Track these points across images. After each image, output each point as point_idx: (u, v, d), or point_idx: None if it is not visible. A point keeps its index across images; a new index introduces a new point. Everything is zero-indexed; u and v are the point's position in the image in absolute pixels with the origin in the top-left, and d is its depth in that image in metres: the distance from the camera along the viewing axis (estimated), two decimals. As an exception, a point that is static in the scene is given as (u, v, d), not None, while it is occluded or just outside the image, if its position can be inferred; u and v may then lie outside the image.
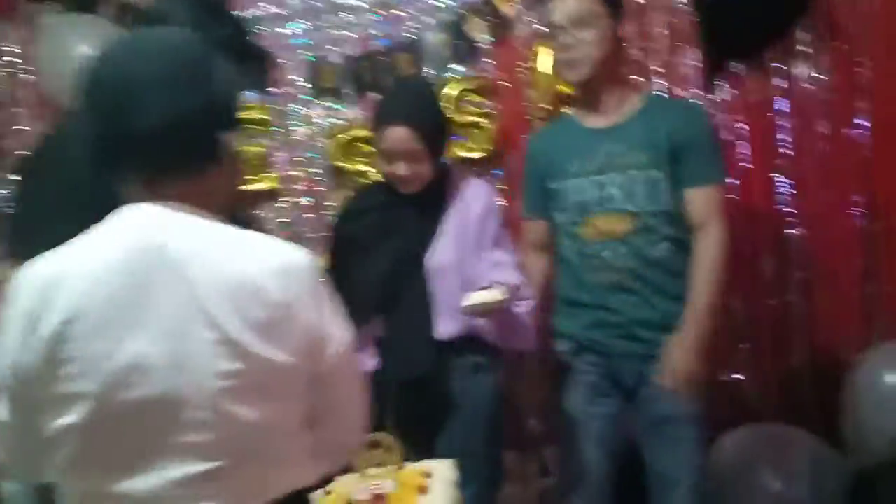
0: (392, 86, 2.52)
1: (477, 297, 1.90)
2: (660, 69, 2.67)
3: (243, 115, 2.71)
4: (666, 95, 2.51)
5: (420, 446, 1.82)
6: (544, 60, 2.61)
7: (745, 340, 2.67)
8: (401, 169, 1.96)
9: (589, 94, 2.07)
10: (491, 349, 2.08)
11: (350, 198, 2.23)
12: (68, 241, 1.08)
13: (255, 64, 1.63)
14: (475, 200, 2.06)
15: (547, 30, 2.05)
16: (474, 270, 1.99)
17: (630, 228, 1.99)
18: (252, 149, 2.78)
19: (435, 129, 1.99)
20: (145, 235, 1.05)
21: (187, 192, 1.10)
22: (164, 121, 1.05)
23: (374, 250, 2.00)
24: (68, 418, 1.02)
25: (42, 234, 1.33)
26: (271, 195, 2.80)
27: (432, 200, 2.03)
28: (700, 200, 2.01)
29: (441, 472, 1.67)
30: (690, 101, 2.55)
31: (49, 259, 1.07)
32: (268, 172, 2.79)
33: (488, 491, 2.05)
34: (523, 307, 1.98)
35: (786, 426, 2.40)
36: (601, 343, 2.06)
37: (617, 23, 2.02)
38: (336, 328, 1.14)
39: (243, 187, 2.75)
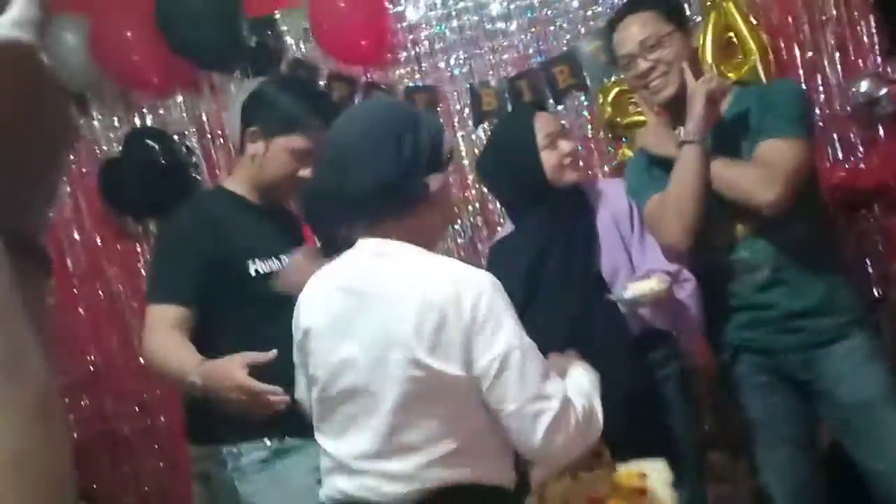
0: None
1: (636, 288, 1.86)
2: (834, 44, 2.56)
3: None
4: (755, 85, 2.29)
5: (626, 449, 1.80)
6: (706, 50, 2.55)
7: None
8: (566, 146, 2.00)
9: (678, 110, 1.95)
10: (672, 338, 2.05)
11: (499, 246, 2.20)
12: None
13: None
14: (617, 198, 2.06)
15: (625, 59, 1.97)
16: (640, 265, 1.98)
17: (756, 222, 1.88)
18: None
19: None
20: (361, 266, 1.37)
21: (401, 227, 1.35)
22: (373, 185, 1.31)
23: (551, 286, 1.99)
24: (314, 393, 1.42)
25: (160, 283, 1.85)
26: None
27: (576, 207, 2.04)
28: (765, 152, 1.83)
29: (657, 473, 1.65)
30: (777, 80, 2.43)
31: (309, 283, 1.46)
32: None
33: (699, 491, 2.02)
34: (686, 291, 1.91)
35: None
36: (760, 341, 1.96)
37: (686, 33, 1.96)
38: (497, 342, 1.25)
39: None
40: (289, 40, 2.97)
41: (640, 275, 1.92)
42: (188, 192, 2.95)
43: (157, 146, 2.99)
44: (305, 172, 1.86)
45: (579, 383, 1.41)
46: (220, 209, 1.91)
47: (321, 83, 2.92)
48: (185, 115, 3.06)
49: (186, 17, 2.82)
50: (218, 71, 2.98)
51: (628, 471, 1.67)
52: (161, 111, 3.07)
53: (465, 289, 1.27)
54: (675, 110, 1.97)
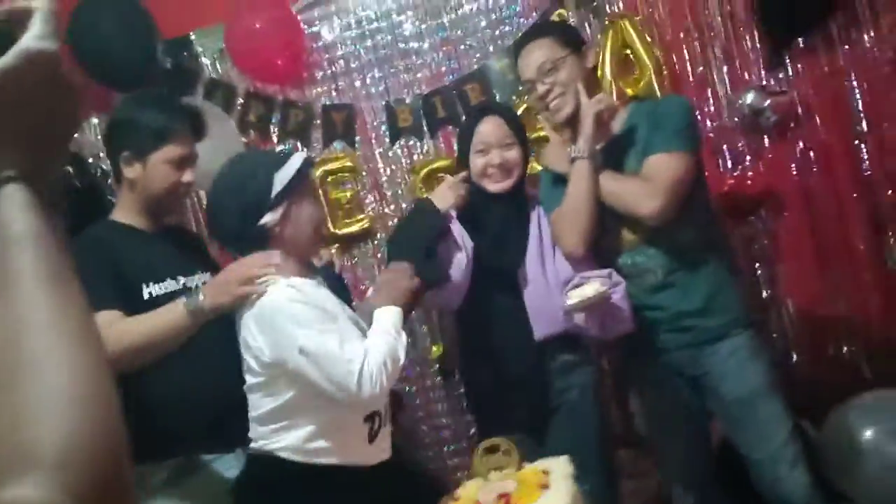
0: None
1: (578, 294, 1.96)
2: (722, 56, 2.74)
3: (335, 164, 2.95)
4: (647, 100, 2.38)
5: (529, 448, 1.91)
6: (605, 66, 2.71)
7: (850, 314, 2.68)
8: (496, 158, 2.11)
9: (578, 127, 2.09)
10: (583, 347, 2.17)
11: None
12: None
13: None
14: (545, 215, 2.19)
15: (528, 79, 2.14)
16: (561, 274, 2.10)
17: (650, 229, 2.02)
18: (343, 194, 2.97)
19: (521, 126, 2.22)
20: None
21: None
22: (226, 234, 1.78)
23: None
24: None
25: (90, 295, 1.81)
26: (366, 234, 2.98)
27: (517, 208, 2.18)
28: (649, 166, 1.99)
29: (559, 468, 1.75)
30: (666, 96, 2.59)
31: None
32: (361, 214, 2.97)
33: (605, 487, 2.13)
34: (618, 293, 2.02)
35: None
36: (653, 340, 2.10)
37: (581, 55, 2.09)
38: (290, 340, 1.62)
39: (340, 230, 2.96)
40: (204, 61, 3.01)
41: (577, 282, 2.02)
42: (104, 215, 2.96)
43: (71, 169, 2.98)
44: (188, 177, 1.93)
45: (381, 328, 1.75)
46: (111, 240, 1.90)
47: (239, 102, 2.98)
48: (99, 137, 3.05)
49: (100, 40, 2.82)
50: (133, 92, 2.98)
51: (533, 468, 1.77)
52: (75, 134, 3.06)
53: (267, 302, 1.67)
54: (575, 128, 2.10)
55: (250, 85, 2.98)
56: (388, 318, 1.78)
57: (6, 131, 0.55)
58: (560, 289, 2.06)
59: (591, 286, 1.96)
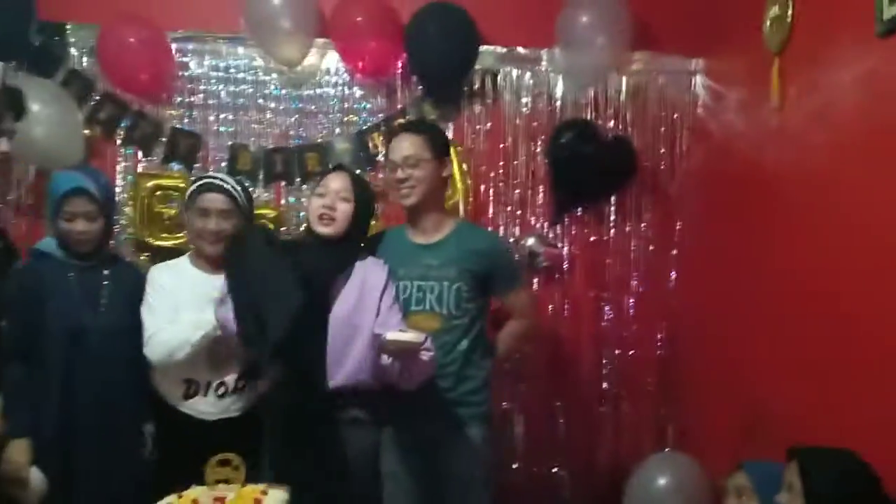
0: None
1: (398, 335, 2.15)
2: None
3: (168, 182, 3.13)
4: (472, 224, 2.86)
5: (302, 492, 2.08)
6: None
7: (565, 440, 3.23)
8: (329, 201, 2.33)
9: (416, 216, 2.52)
10: (373, 405, 2.34)
11: None
12: None
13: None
14: (379, 270, 2.41)
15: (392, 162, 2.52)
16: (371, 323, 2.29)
17: (439, 327, 2.43)
18: (169, 211, 3.15)
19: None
20: None
21: None
22: None
23: None
24: None
25: None
26: (180, 251, 3.09)
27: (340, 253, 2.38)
28: (515, 301, 2.58)
29: (275, 493, 2.02)
30: (491, 230, 3.10)
31: None
32: (180, 233, 3.10)
33: None
34: (426, 356, 2.21)
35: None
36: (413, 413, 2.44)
37: (440, 164, 2.52)
38: None
39: (157, 242, 3.15)
40: (73, 52, 3.14)
41: (401, 328, 2.23)
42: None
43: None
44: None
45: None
46: None
47: (94, 98, 3.13)
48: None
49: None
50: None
51: (254, 487, 2.03)
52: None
53: None
54: (414, 215, 2.52)
55: (109, 86, 3.14)
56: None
57: None
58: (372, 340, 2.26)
59: (411, 334, 2.16)
